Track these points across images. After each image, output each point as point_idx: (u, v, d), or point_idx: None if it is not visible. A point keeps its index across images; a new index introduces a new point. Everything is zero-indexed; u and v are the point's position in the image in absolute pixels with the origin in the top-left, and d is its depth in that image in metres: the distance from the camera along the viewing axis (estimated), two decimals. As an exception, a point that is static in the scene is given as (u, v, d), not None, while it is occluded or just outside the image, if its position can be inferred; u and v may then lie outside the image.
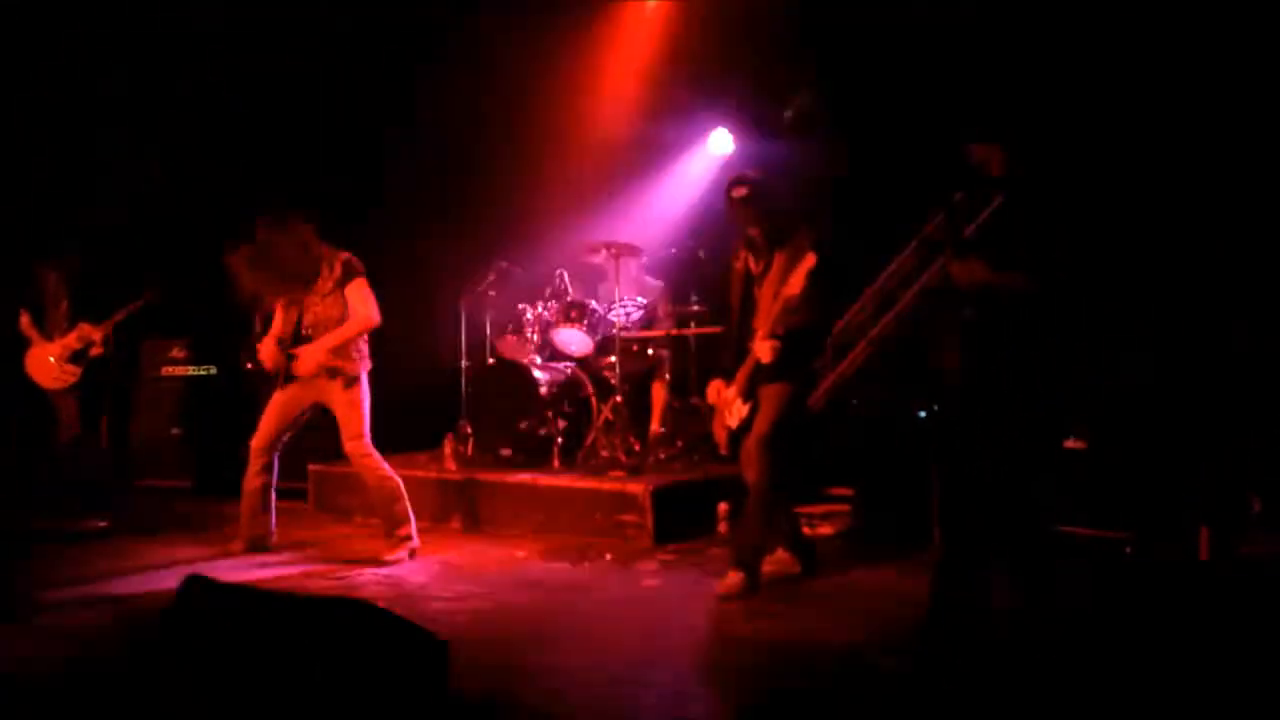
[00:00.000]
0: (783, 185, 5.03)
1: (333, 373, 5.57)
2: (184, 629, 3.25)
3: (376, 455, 5.69)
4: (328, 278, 5.64)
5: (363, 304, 5.60)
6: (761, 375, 4.83)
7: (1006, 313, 3.61)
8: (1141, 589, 4.81)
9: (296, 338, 5.67)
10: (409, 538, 5.66)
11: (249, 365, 7.79)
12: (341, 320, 5.59)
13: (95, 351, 6.68)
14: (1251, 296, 5.48)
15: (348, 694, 3.02)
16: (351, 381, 5.60)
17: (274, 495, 5.86)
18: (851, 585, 4.99)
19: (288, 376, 5.66)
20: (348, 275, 5.61)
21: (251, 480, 5.74)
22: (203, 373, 8.10)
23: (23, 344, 6.78)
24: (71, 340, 6.64)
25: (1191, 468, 5.26)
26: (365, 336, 5.68)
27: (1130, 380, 5.44)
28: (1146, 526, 5.26)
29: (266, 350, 5.71)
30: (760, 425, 4.82)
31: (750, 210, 4.89)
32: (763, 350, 4.77)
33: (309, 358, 5.56)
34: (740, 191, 4.88)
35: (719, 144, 8.13)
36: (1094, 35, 5.92)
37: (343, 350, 5.58)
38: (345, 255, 5.66)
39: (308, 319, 5.66)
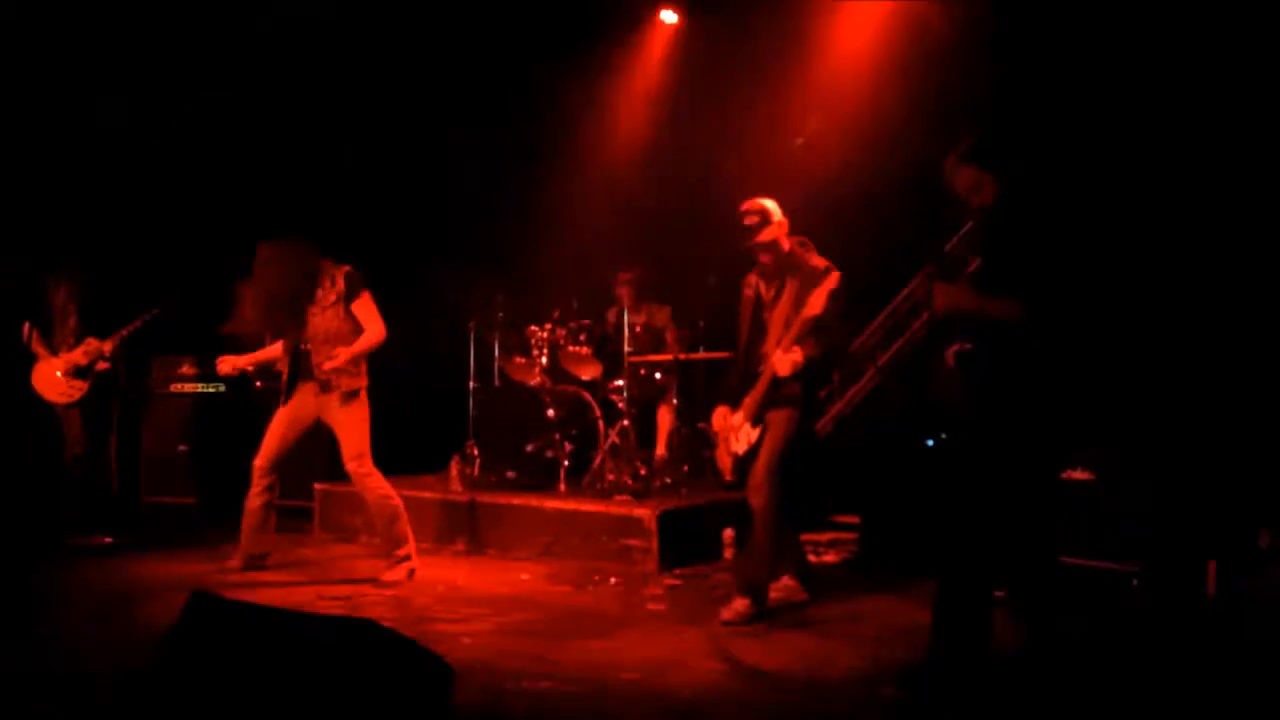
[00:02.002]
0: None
1: (332, 388, 5.57)
2: (190, 646, 3.24)
3: (378, 474, 5.68)
4: (329, 290, 5.64)
5: (372, 319, 5.64)
6: (770, 400, 4.82)
7: (1003, 342, 3.57)
8: (1146, 623, 4.78)
9: (296, 352, 5.69)
10: (408, 558, 5.65)
11: (258, 384, 7.80)
12: (342, 332, 5.60)
13: (101, 366, 6.67)
14: (1257, 320, 5.45)
15: (352, 714, 3.01)
16: (352, 398, 5.61)
17: (274, 513, 5.86)
18: (857, 613, 4.96)
19: (290, 390, 5.70)
20: (354, 291, 5.63)
21: (254, 499, 5.75)
22: (211, 390, 8.10)
23: (29, 358, 6.77)
24: (78, 355, 6.63)
25: (1199, 500, 5.23)
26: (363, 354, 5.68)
27: (1136, 409, 5.41)
28: (1153, 559, 5.23)
29: (225, 363, 5.95)
30: (767, 452, 4.80)
31: (761, 238, 4.90)
32: (782, 363, 4.75)
33: (330, 364, 5.55)
34: (752, 220, 4.89)
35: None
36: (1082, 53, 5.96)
37: (347, 366, 5.58)
38: (346, 269, 5.67)
39: (306, 331, 5.66)
